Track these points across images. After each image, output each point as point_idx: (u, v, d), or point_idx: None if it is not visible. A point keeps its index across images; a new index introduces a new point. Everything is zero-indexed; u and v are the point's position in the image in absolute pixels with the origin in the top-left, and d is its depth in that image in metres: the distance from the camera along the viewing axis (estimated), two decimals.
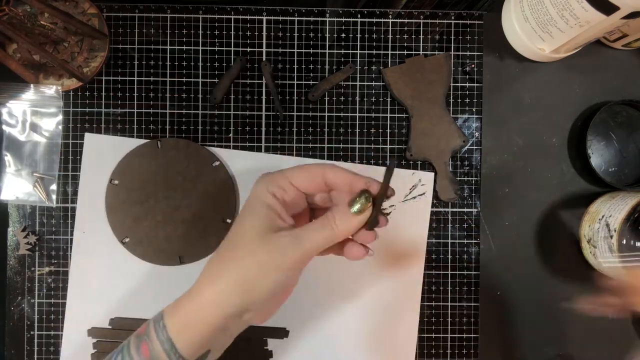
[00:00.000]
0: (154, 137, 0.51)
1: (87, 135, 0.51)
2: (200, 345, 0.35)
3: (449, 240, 0.52)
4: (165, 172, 0.50)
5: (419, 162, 0.53)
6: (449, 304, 0.52)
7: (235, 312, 0.35)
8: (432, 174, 0.52)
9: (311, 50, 0.52)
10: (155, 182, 0.50)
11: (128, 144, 0.51)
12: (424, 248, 0.52)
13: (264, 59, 0.52)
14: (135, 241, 0.50)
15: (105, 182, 0.50)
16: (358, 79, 0.53)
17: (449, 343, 0.52)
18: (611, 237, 0.46)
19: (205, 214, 0.50)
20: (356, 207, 0.35)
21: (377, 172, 0.52)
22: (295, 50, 0.52)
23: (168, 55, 0.52)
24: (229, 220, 0.51)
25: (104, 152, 0.51)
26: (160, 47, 0.52)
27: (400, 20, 0.53)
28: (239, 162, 0.51)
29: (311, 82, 0.52)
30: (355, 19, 0.52)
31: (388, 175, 0.35)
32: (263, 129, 0.52)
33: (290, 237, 0.35)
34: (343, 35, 0.53)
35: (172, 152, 0.50)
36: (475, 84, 0.53)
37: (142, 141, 0.51)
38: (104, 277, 0.50)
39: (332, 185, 0.37)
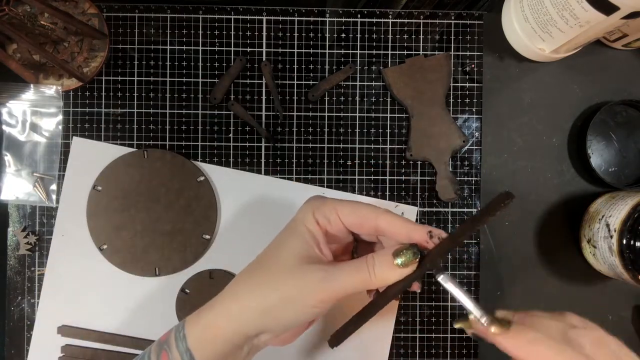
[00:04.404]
0: (154, 137, 0.51)
1: (75, 138, 0.51)
2: None
3: None
4: (149, 183, 0.50)
5: (419, 162, 0.53)
6: (449, 304, 0.52)
7: (253, 331, 0.34)
8: (416, 208, 0.52)
9: (311, 50, 0.52)
10: (138, 192, 0.50)
11: (115, 151, 0.51)
12: None
13: (264, 59, 0.52)
14: (113, 249, 0.50)
15: (89, 188, 0.50)
16: (358, 79, 0.53)
17: (449, 343, 0.52)
18: (611, 237, 0.46)
19: (185, 227, 0.50)
20: (401, 259, 0.32)
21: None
22: (295, 50, 0.52)
23: (168, 55, 0.52)
24: (207, 237, 0.50)
25: (90, 157, 0.51)
26: (160, 47, 0.52)
27: (400, 20, 0.53)
28: (224, 179, 0.51)
29: (311, 82, 0.52)
30: (355, 19, 0.52)
31: (449, 243, 0.32)
32: (263, 128, 0.52)
33: (322, 274, 0.33)
34: (343, 35, 0.53)
35: (157, 163, 0.50)
36: (475, 84, 0.53)
37: (129, 149, 0.51)
38: (78, 281, 0.50)
39: (384, 234, 0.35)
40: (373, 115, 0.53)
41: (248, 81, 0.52)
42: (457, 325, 0.34)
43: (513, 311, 0.34)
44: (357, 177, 0.52)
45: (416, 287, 0.35)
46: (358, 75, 0.53)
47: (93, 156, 0.51)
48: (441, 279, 0.33)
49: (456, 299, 0.33)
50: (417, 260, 0.32)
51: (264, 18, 0.52)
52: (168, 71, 0.52)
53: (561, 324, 0.32)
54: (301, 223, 0.35)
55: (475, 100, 0.53)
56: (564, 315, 0.33)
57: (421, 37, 0.53)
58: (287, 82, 0.52)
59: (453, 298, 0.34)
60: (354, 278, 0.33)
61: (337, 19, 0.52)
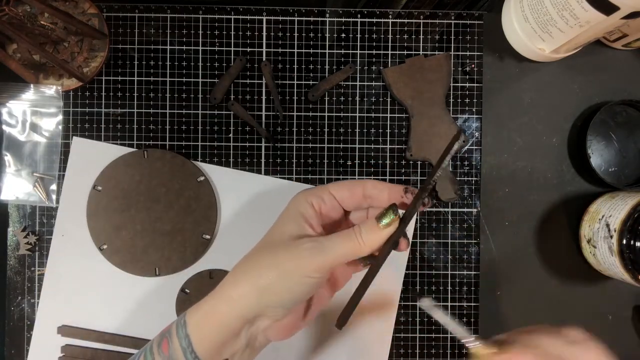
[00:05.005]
0: (154, 137, 0.51)
1: (75, 139, 0.51)
2: (215, 349, 0.35)
3: (449, 240, 0.52)
4: (149, 183, 0.50)
5: (419, 162, 0.53)
6: (449, 303, 0.52)
7: (250, 314, 0.34)
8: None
9: (311, 50, 0.52)
10: (138, 192, 0.50)
11: (115, 151, 0.51)
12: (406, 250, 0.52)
13: (264, 59, 0.52)
14: (113, 249, 0.50)
15: (89, 188, 0.50)
16: (358, 79, 0.53)
17: (448, 343, 0.52)
18: (611, 237, 0.46)
19: (185, 227, 0.50)
20: (384, 220, 0.34)
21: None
22: (295, 50, 0.52)
23: (168, 55, 0.52)
24: (207, 236, 0.50)
25: (90, 157, 0.51)
26: (160, 47, 0.52)
27: (400, 20, 0.53)
28: (224, 179, 0.51)
29: (311, 82, 0.52)
30: (355, 19, 0.52)
31: (420, 193, 0.34)
32: (263, 128, 0.52)
33: (312, 244, 0.34)
34: (343, 35, 0.53)
35: (157, 163, 0.50)
36: (475, 84, 0.53)
37: (129, 149, 0.51)
38: (78, 281, 0.50)
39: (371, 198, 0.37)
40: (373, 115, 0.53)
41: (248, 81, 0.52)
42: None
43: (506, 334, 0.35)
44: (357, 177, 0.52)
45: (404, 245, 0.36)
46: (358, 75, 0.53)
47: (93, 156, 0.51)
48: (425, 306, 0.35)
49: (444, 325, 0.35)
50: (398, 217, 0.34)
51: (264, 18, 0.52)
52: (168, 71, 0.52)
53: (560, 341, 0.33)
54: (294, 209, 0.37)
55: (475, 100, 0.53)
56: (565, 331, 0.34)
57: (421, 37, 0.53)
58: (287, 82, 0.52)
59: (439, 324, 0.37)
60: (345, 245, 0.34)
61: (337, 19, 0.52)
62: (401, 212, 0.35)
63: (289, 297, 0.34)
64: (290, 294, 0.34)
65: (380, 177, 0.52)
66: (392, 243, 0.35)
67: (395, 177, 0.52)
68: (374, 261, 0.36)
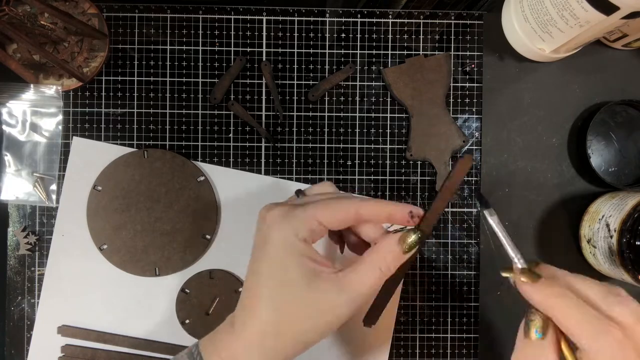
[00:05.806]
0: (154, 137, 0.51)
1: (75, 139, 0.51)
2: None
3: (449, 240, 0.52)
4: (149, 183, 0.50)
5: (419, 162, 0.53)
6: (449, 304, 0.52)
7: (268, 355, 0.33)
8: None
9: (311, 50, 0.52)
10: (139, 192, 0.50)
11: (115, 150, 0.51)
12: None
13: (264, 59, 0.52)
14: (113, 249, 0.50)
15: (89, 188, 0.50)
16: (358, 79, 0.53)
17: (448, 343, 0.52)
18: (611, 237, 0.46)
19: (185, 227, 0.50)
20: (408, 246, 0.33)
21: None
22: (295, 50, 0.52)
23: (168, 55, 0.52)
24: (208, 236, 0.50)
25: (90, 157, 0.51)
26: (160, 47, 0.52)
27: (400, 20, 0.53)
28: (224, 179, 0.51)
29: (311, 82, 0.52)
30: (355, 19, 0.52)
31: (433, 213, 0.34)
32: (263, 128, 0.52)
33: (331, 285, 0.32)
34: (343, 35, 0.53)
35: (157, 163, 0.50)
36: (475, 84, 0.53)
37: (129, 149, 0.51)
38: (78, 281, 0.50)
39: (367, 220, 0.35)
40: (373, 115, 0.53)
41: (248, 81, 0.52)
42: (503, 274, 0.34)
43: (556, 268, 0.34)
44: (357, 177, 0.52)
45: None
46: (358, 75, 0.53)
47: (93, 156, 0.51)
48: (487, 212, 0.35)
49: (497, 237, 0.35)
50: (420, 241, 0.34)
51: (264, 18, 0.52)
52: (168, 71, 0.52)
53: (605, 288, 0.31)
54: (288, 251, 0.33)
55: (475, 100, 0.53)
56: (613, 286, 0.32)
57: (421, 37, 0.53)
58: (287, 82, 0.52)
59: (494, 235, 0.36)
60: (369, 281, 0.33)
61: (337, 19, 0.52)
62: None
63: (316, 342, 0.33)
64: (317, 340, 0.33)
65: (380, 177, 0.52)
66: (409, 264, 0.35)
67: (395, 177, 0.52)
68: None
